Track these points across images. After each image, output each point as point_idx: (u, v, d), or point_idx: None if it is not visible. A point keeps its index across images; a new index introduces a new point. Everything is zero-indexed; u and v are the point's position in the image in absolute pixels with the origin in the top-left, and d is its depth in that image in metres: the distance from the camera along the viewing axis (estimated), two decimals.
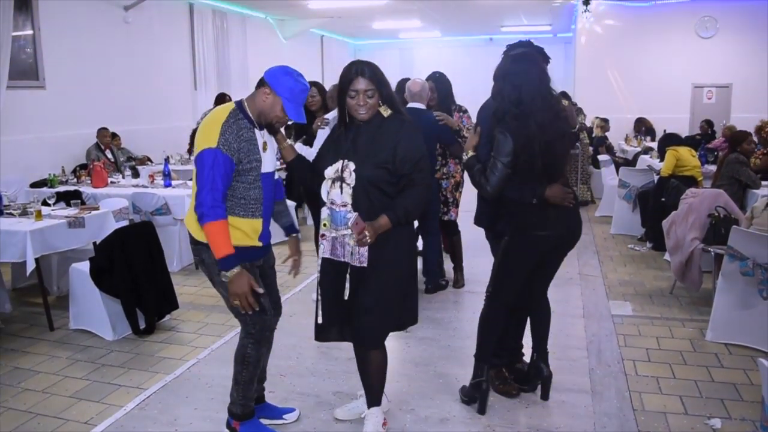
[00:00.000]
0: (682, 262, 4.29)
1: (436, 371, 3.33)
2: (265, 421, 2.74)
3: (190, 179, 4.42)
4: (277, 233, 2.66)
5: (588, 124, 9.64)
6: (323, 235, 2.50)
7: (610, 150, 9.18)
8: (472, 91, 6.22)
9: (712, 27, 11.17)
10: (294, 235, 2.77)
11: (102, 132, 7.10)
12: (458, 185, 4.59)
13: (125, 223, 4.57)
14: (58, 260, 4.62)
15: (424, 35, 15.26)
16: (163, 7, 8.73)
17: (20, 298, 4.69)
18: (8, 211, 4.27)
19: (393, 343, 3.33)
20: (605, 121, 9.57)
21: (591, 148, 8.54)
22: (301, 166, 2.67)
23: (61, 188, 5.41)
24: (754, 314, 3.55)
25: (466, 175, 2.99)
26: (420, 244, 4.22)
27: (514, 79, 2.58)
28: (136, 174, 6.39)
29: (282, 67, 2.44)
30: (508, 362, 3.09)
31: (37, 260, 3.87)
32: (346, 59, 3.22)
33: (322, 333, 2.61)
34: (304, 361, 3.48)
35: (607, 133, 9.45)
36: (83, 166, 6.40)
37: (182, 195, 5.17)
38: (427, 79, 4.41)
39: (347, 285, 2.43)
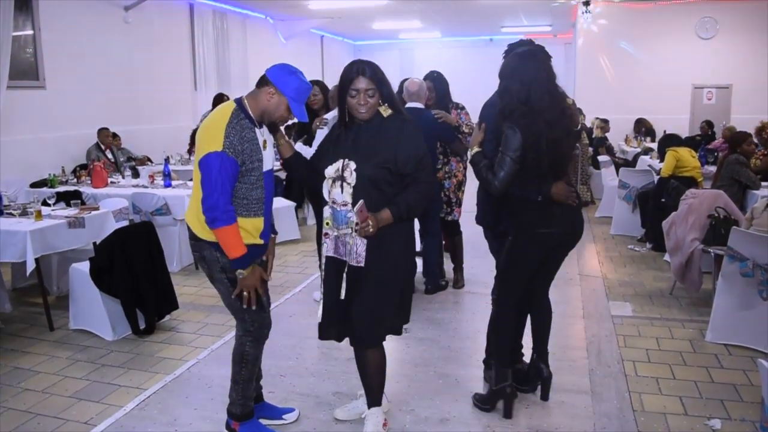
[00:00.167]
0: (682, 262, 4.29)
1: (436, 371, 3.33)
2: (264, 421, 2.74)
3: (190, 179, 4.43)
4: None
5: (588, 124, 9.64)
6: (326, 233, 2.51)
7: (610, 151, 9.16)
8: (472, 92, 6.24)
9: (712, 28, 11.16)
10: (272, 235, 2.74)
11: (103, 132, 7.10)
12: (461, 184, 4.59)
13: (125, 223, 4.57)
14: (58, 260, 4.62)
15: (424, 36, 15.26)
16: (163, 7, 8.74)
17: (20, 298, 4.69)
18: (8, 211, 4.27)
19: (393, 343, 3.34)
20: (605, 121, 9.55)
21: (591, 149, 8.54)
22: (298, 164, 2.67)
23: (61, 188, 5.41)
24: (754, 315, 3.55)
25: (467, 173, 2.98)
26: (420, 244, 4.22)
27: (523, 76, 2.58)
28: (136, 174, 6.40)
29: (284, 65, 2.43)
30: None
31: (37, 260, 3.87)
32: (346, 59, 3.22)
33: (323, 331, 2.62)
34: (304, 362, 3.48)
35: (606, 134, 9.43)
36: (83, 166, 6.40)
37: (182, 195, 5.16)
38: (425, 79, 4.42)
39: (343, 284, 2.44)
